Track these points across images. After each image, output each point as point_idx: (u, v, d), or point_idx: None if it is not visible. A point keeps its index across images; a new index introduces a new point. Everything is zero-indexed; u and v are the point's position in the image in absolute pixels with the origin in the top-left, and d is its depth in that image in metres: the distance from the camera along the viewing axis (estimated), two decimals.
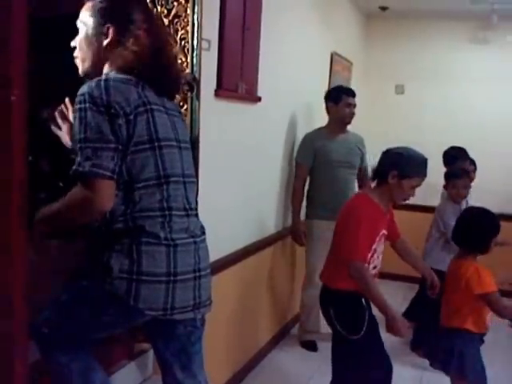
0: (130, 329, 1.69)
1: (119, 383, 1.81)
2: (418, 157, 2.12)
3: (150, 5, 1.86)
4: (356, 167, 3.29)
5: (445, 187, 3.35)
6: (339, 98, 3.14)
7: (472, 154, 4.02)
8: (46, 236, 1.43)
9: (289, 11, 3.02)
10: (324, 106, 3.25)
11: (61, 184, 1.37)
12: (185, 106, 1.90)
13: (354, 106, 3.20)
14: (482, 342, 2.26)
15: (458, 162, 3.54)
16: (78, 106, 1.30)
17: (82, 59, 1.45)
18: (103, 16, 1.40)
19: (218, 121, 2.28)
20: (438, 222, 3.25)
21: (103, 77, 1.36)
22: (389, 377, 2.18)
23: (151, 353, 1.84)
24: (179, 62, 1.87)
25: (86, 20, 1.43)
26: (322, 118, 3.33)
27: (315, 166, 3.16)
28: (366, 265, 2.08)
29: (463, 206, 3.21)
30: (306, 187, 3.27)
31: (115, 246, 1.34)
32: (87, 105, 1.29)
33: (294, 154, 3.29)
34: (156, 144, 1.37)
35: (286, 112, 3.21)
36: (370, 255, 2.09)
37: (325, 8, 3.69)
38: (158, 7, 1.86)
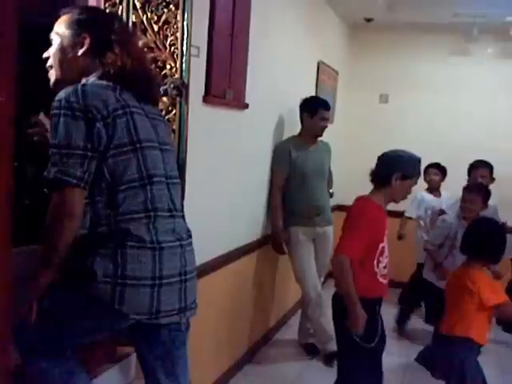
0: (114, 332, 1.68)
1: None
2: (415, 157, 2.21)
3: (138, 12, 1.88)
4: (327, 174, 3.33)
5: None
6: (315, 111, 3.10)
7: (455, 164, 4.09)
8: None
9: (276, 21, 3.06)
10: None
11: (46, 190, 1.36)
12: (173, 111, 1.90)
13: (328, 119, 3.22)
14: (479, 352, 2.28)
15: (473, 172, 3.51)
16: (53, 112, 1.32)
17: (54, 69, 1.46)
18: (80, 26, 1.42)
19: (205, 126, 2.29)
20: None
21: (80, 83, 1.37)
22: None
23: (134, 356, 1.82)
24: (168, 67, 1.89)
25: (61, 31, 1.44)
26: None
27: (289, 176, 3.14)
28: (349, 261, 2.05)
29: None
30: None
31: (100, 250, 1.34)
32: (62, 111, 1.30)
33: None
34: (138, 145, 1.38)
35: (273, 119, 3.24)
36: (378, 254, 2.12)
37: (311, 18, 3.75)
38: (148, 13, 1.87)
